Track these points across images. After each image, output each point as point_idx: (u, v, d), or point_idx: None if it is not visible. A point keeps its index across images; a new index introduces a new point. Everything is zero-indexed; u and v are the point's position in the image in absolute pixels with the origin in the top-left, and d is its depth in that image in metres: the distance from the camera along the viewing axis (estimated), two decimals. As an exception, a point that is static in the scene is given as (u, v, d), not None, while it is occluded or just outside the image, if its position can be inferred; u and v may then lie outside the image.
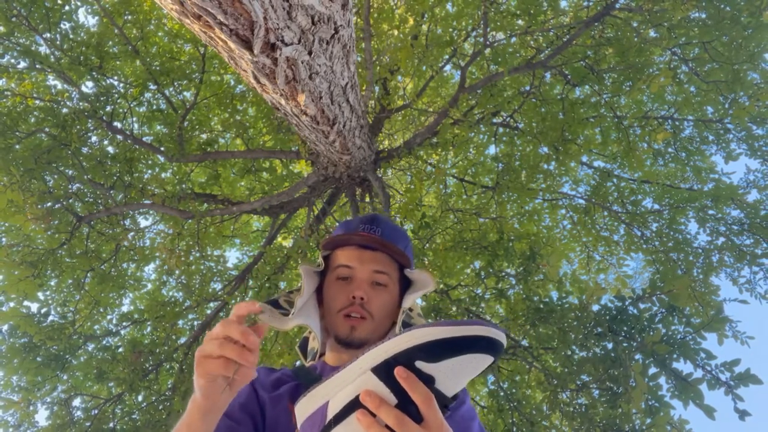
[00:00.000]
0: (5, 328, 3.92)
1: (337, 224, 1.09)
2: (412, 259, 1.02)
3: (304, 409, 0.66)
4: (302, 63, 1.63)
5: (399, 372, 0.56)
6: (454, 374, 0.56)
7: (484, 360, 0.56)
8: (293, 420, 0.82)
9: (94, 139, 4.32)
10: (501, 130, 4.71)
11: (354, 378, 0.60)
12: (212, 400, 0.67)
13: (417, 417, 0.56)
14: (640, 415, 2.79)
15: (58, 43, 3.80)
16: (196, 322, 4.62)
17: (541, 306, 3.39)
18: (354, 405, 0.58)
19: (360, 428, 0.57)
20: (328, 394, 0.63)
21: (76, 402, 4.09)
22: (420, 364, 0.56)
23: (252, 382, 0.87)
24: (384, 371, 0.57)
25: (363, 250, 0.94)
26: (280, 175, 5.19)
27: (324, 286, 0.97)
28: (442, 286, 3.87)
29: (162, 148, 4.16)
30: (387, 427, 0.55)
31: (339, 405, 0.60)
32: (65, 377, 4.16)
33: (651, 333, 2.89)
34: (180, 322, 4.51)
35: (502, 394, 3.62)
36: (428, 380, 0.56)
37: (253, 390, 0.87)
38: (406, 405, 0.56)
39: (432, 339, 0.55)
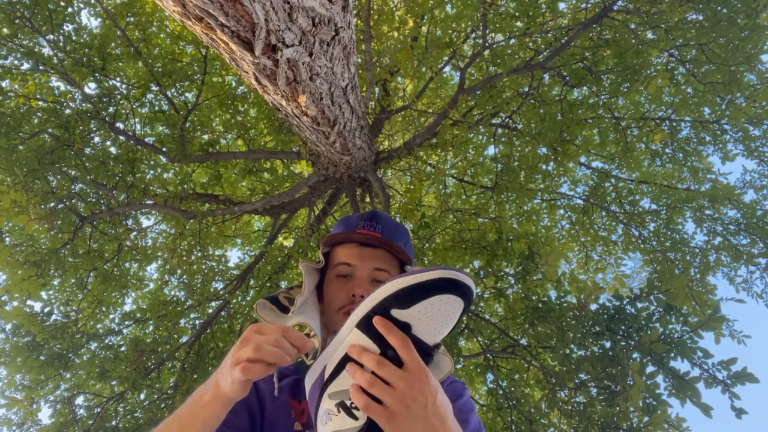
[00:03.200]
0: (9, 327, 3.94)
1: (337, 221, 1.09)
2: (413, 256, 1.01)
3: (308, 381, 0.70)
4: (303, 64, 1.65)
5: (376, 320, 0.61)
6: (428, 318, 0.61)
7: (453, 302, 0.61)
8: (293, 413, 0.84)
9: (96, 139, 4.34)
10: (500, 131, 4.73)
11: (344, 339, 0.66)
12: (241, 392, 0.67)
13: (398, 362, 0.61)
14: (638, 413, 2.78)
15: (61, 44, 3.83)
16: (197, 321, 4.64)
17: (540, 305, 3.40)
18: (344, 361, 0.64)
19: (350, 379, 0.62)
20: (325, 360, 0.68)
21: (79, 400, 4.11)
22: (395, 313, 0.61)
23: None
24: (365, 325, 0.63)
25: (363, 247, 0.93)
26: (281, 175, 5.22)
27: (324, 284, 0.96)
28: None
29: (164, 149, 4.18)
30: (373, 373, 0.60)
31: (333, 365, 0.66)
32: (68, 376, 4.16)
33: (648, 332, 2.90)
34: (182, 321, 4.53)
35: (501, 392, 3.64)
36: (405, 327, 0.61)
37: (252, 382, 0.89)
38: (386, 352, 0.61)
39: (402, 287, 0.61)
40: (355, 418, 0.61)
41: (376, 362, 0.60)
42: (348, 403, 0.62)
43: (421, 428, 0.59)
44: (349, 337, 0.65)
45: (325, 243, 0.97)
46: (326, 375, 0.66)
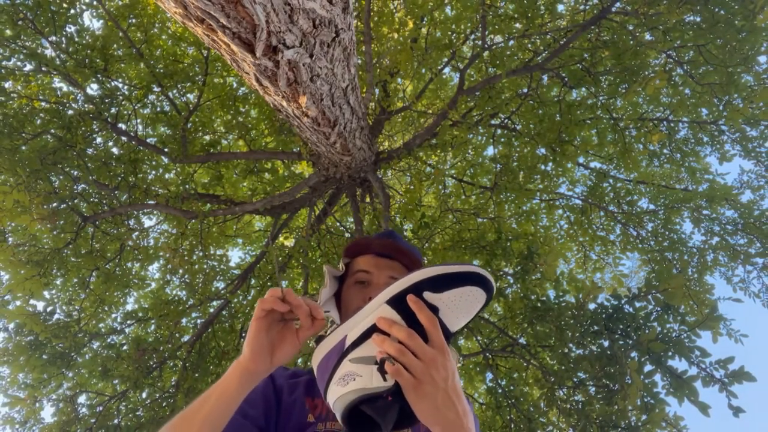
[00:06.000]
0: (12, 326, 3.96)
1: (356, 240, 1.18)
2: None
3: (322, 349, 0.73)
4: (304, 66, 1.68)
5: (410, 298, 0.67)
6: (455, 306, 0.68)
7: (479, 295, 0.69)
8: (307, 406, 0.88)
9: (99, 140, 4.36)
10: (499, 131, 4.75)
11: (371, 312, 0.71)
12: (258, 357, 0.70)
13: (423, 338, 0.66)
14: (636, 411, 2.79)
15: (63, 46, 3.85)
16: (199, 321, 4.66)
17: (539, 305, 3.41)
18: (371, 331, 0.69)
19: (374, 347, 0.67)
20: (346, 331, 0.72)
21: (82, 399, 4.13)
22: (427, 295, 0.68)
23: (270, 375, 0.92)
24: (396, 301, 0.69)
25: (380, 257, 1.02)
26: (281, 175, 5.24)
27: (343, 290, 1.04)
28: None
29: (166, 150, 4.20)
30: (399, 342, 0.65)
31: (357, 334, 0.70)
32: (71, 374, 4.18)
33: (646, 331, 2.90)
34: (183, 320, 4.54)
35: (500, 391, 3.66)
36: (433, 309, 0.68)
37: (269, 377, 0.92)
38: (413, 328, 0.67)
39: (438, 273, 0.68)
40: (385, 380, 0.65)
41: (407, 334, 0.65)
42: (381, 364, 0.66)
43: (441, 399, 0.64)
44: (378, 311, 0.70)
45: (346, 253, 1.06)
46: (347, 343, 0.70)
